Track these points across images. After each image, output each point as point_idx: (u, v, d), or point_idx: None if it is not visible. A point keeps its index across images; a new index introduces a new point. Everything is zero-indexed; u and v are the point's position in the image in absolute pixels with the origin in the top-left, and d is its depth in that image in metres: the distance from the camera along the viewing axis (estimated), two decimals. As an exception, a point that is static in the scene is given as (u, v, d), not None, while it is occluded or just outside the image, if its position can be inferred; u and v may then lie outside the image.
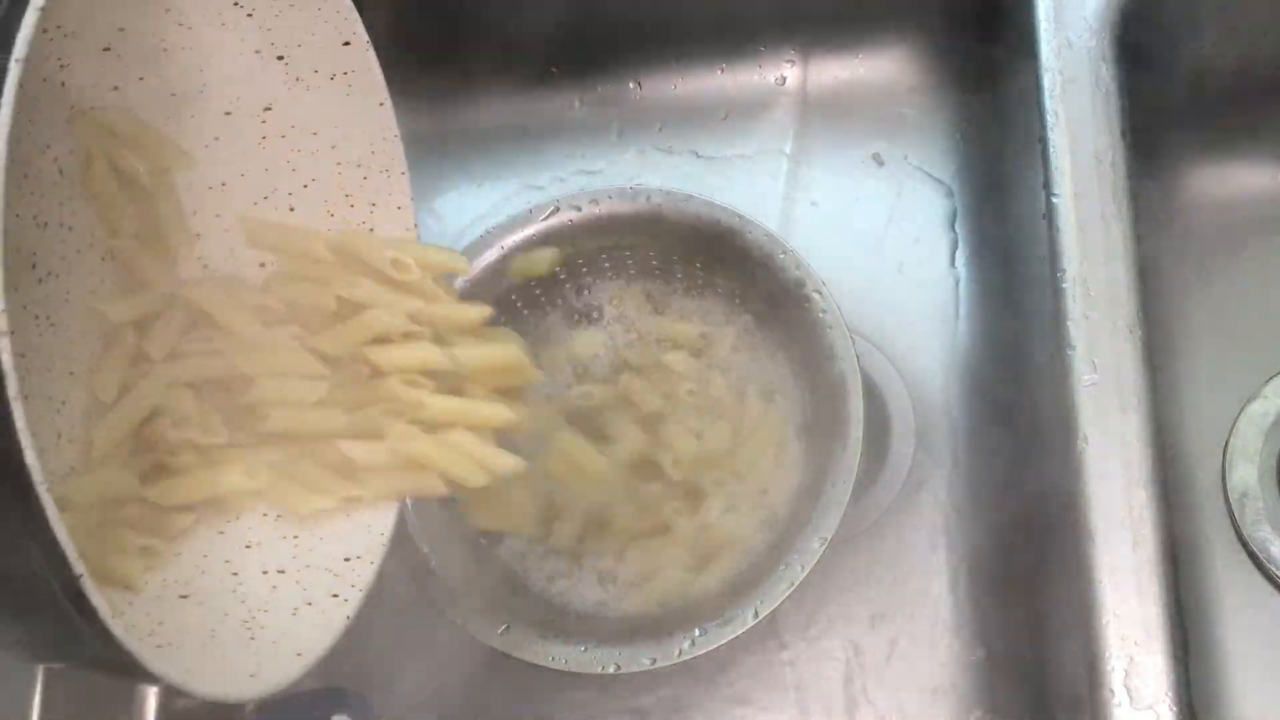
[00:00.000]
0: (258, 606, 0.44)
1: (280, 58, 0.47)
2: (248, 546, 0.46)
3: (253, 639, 0.42)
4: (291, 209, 0.49)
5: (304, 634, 0.43)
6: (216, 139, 0.48)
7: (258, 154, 0.48)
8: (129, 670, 0.34)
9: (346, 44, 0.47)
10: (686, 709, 0.55)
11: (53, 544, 0.31)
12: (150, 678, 0.35)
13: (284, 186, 0.49)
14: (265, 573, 0.45)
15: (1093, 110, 0.52)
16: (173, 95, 0.46)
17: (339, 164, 0.49)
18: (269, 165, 0.49)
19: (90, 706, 0.49)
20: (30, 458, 0.30)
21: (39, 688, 0.47)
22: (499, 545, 0.55)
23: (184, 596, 0.43)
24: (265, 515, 0.47)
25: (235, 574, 0.45)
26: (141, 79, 0.45)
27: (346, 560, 0.46)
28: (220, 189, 0.49)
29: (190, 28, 0.45)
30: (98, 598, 0.32)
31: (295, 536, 0.46)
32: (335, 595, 0.45)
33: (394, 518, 0.48)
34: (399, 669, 0.55)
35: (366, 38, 0.47)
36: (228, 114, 0.48)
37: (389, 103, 0.48)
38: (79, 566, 0.31)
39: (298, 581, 0.45)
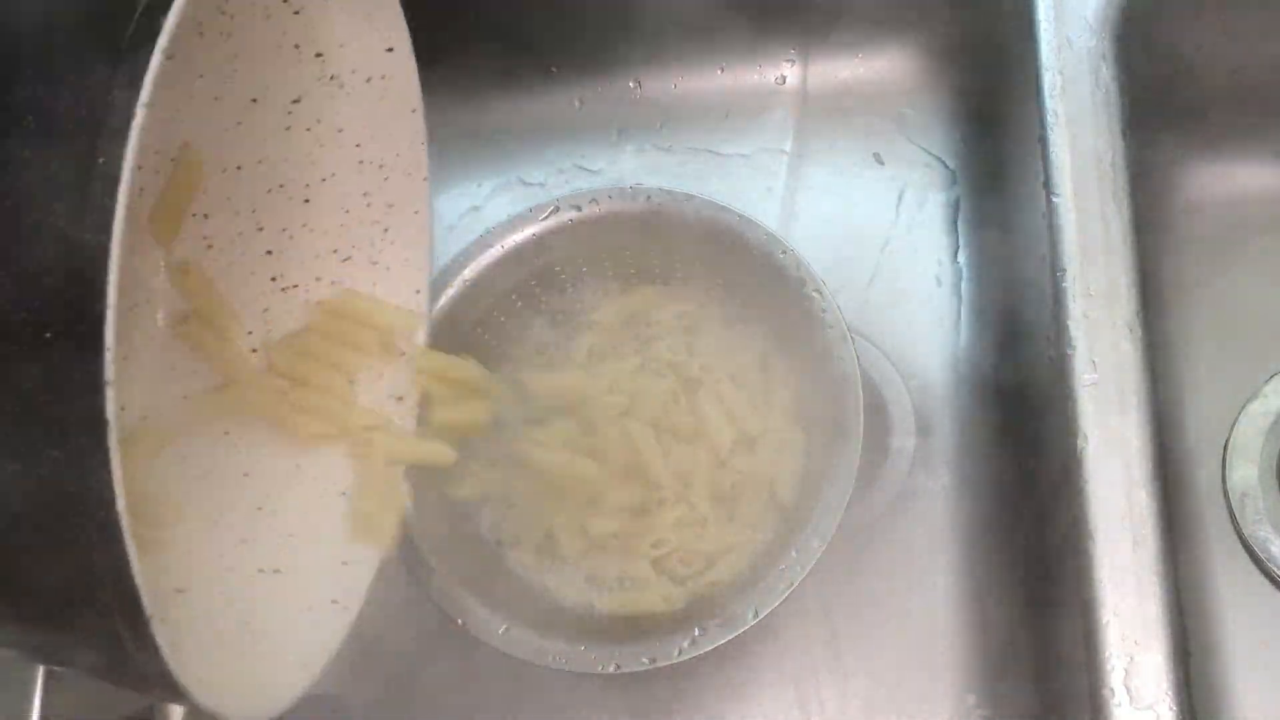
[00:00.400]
0: (253, 609, 0.44)
1: (319, 55, 0.46)
2: (242, 541, 0.46)
3: (256, 645, 0.42)
4: (306, 200, 0.49)
5: (306, 642, 0.43)
6: (239, 124, 0.47)
7: (279, 142, 0.48)
8: (165, 694, 0.34)
9: (390, 50, 0.46)
10: (686, 708, 0.55)
11: (129, 586, 0.31)
12: (179, 699, 0.35)
13: (301, 178, 0.49)
14: (261, 571, 0.45)
15: (1093, 110, 0.52)
16: (200, 77, 0.45)
17: (361, 162, 0.49)
18: (289, 155, 0.48)
19: (90, 707, 0.49)
20: (121, 505, 0.30)
21: (39, 687, 0.47)
22: (501, 547, 0.55)
23: (180, 591, 0.43)
24: (260, 510, 0.47)
25: (230, 570, 0.45)
26: (171, 57, 0.45)
27: (345, 564, 0.46)
28: (235, 172, 0.48)
29: (231, 16, 0.44)
30: (164, 639, 0.32)
31: (291, 535, 0.46)
32: (335, 601, 0.45)
33: (397, 527, 0.48)
34: (404, 670, 0.55)
35: (410, 48, 0.46)
36: (254, 101, 0.47)
37: (421, 110, 0.48)
38: (150, 609, 0.32)
39: (295, 584, 0.45)
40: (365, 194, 0.49)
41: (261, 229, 0.49)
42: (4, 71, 0.32)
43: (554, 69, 0.66)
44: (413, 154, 0.49)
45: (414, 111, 0.48)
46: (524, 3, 0.63)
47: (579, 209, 0.57)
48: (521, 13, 0.63)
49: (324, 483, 0.48)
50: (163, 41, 0.32)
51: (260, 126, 0.47)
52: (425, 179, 0.49)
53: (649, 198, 0.57)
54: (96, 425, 0.30)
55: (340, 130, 0.48)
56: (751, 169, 0.64)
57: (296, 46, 0.46)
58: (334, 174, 0.49)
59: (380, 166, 0.49)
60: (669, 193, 0.57)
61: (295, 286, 0.50)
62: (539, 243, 0.57)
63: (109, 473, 0.30)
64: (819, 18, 0.65)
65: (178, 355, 0.48)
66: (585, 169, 0.65)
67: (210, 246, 0.48)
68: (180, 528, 0.45)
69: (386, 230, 0.50)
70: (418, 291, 0.51)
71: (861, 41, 0.65)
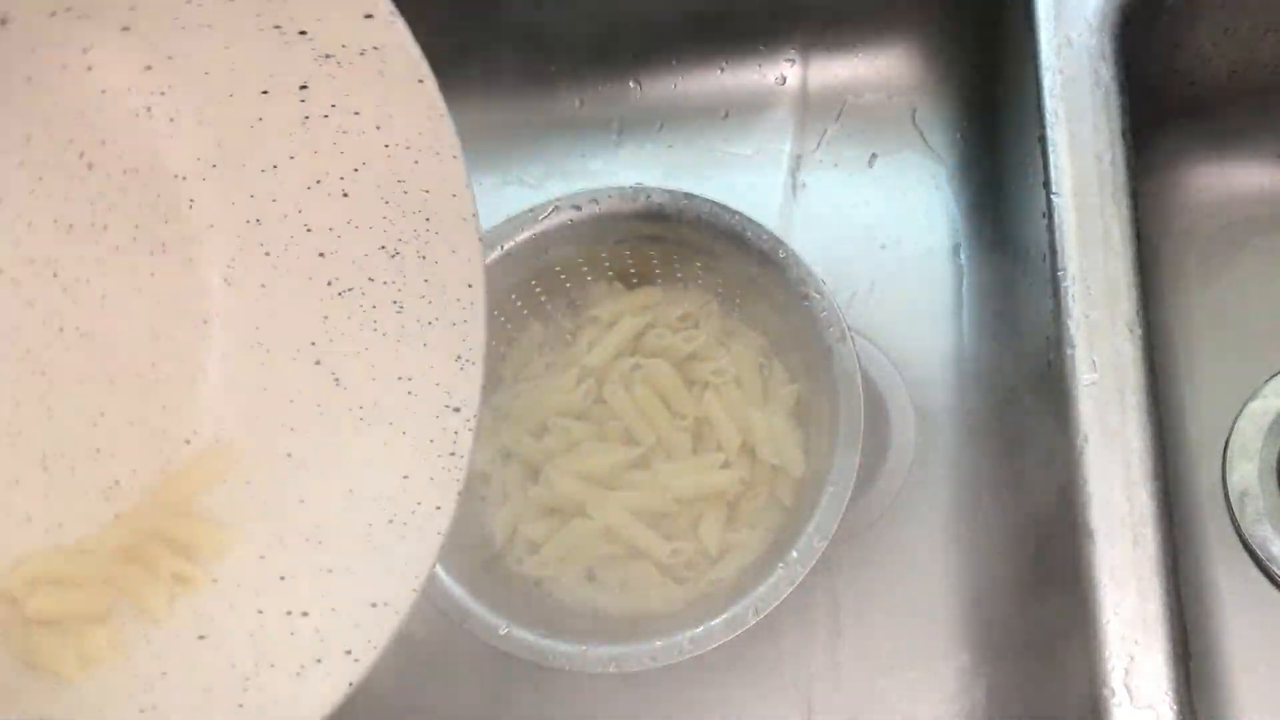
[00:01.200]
0: (266, 659, 0.41)
1: (303, 33, 0.43)
2: (281, 579, 0.43)
3: (241, 706, 0.40)
4: (345, 194, 0.46)
5: (301, 703, 0.41)
6: (260, 119, 0.45)
7: (303, 135, 0.45)
8: None
9: (369, 16, 0.43)
10: (687, 707, 0.55)
11: None
12: None
13: (335, 170, 0.45)
14: (289, 614, 0.43)
15: (1093, 109, 0.52)
16: (206, 74, 0.43)
17: (387, 146, 0.45)
18: (317, 148, 0.45)
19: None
20: None
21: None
22: (501, 548, 0.56)
23: (202, 638, 0.41)
24: (307, 540, 0.44)
25: (261, 611, 0.42)
26: (170, 58, 0.42)
27: (374, 606, 0.43)
28: (273, 171, 0.46)
29: (201, 5, 0.42)
30: None
31: (329, 570, 0.43)
32: (348, 652, 0.42)
33: (432, 563, 0.45)
34: (404, 670, 0.55)
35: (391, 8, 0.43)
36: (265, 93, 0.44)
37: (430, 79, 0.44)
38: None
39: (318, 629, 0.42)
40: (400, 180, 0.46)
41: (310, 230, 0.47)
42: None
43: (554, 69, 0.66)
44: (435, 130, 0.45)
45: (421, 82, 0.44)
46: (523, 3, 0.63)
47: (579, 209, 0.57)
48: (521, 13, 0.63)
49: (375, 509, 0.45)
50: None
51: (280, 120, 0.45)
52: (456, 157, 0.45)
53: (649, 198, 0.57)
54: None
55: (357, 113, 0.45)
56: (751, 169, 0.65)
57: (277, 27, 0.43)
58: (364, 162, 0.45)
59: (407, 148, 0.45)
60: (669, 193, 0.57)
61: (350, 290, 0.47)
62: (539, 243, 0.57)
63: None
64: (819, 17, 0.65)
65: (250, 375, 0.46)
66: (585, 169, 0.65)
67: (268, 254, 0.46)
68: (230, 563, 0.43)
69: (429, 219, 0.46)
70: (470, 285, 0.46)
71: (861, 41, 0.65)
